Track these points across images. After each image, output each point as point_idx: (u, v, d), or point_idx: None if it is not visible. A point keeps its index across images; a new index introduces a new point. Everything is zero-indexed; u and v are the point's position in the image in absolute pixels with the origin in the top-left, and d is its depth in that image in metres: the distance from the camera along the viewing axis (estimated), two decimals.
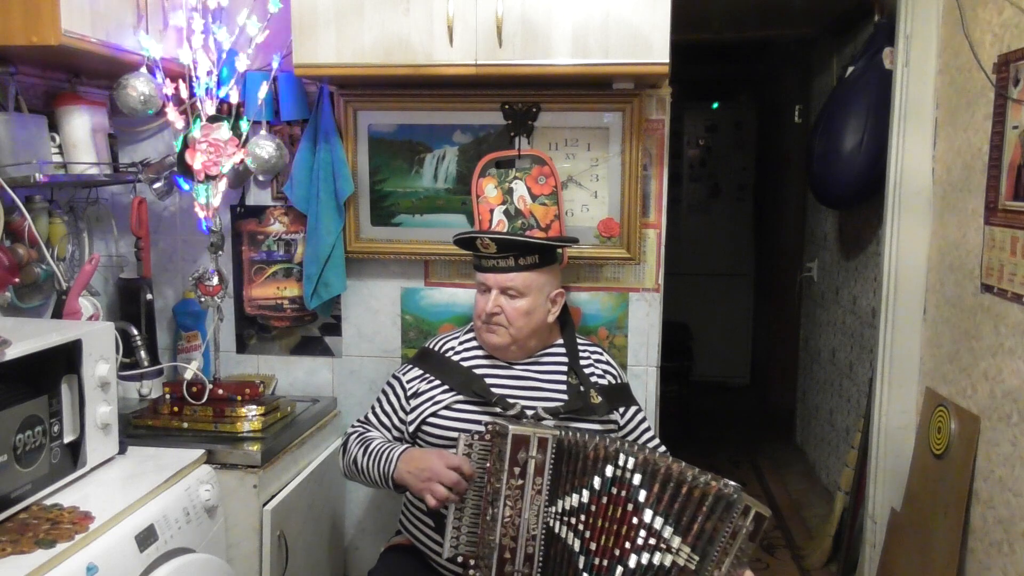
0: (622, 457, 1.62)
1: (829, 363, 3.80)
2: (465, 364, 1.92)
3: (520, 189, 2.17)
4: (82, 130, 2.03)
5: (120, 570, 1.45)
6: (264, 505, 1.90)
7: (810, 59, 4.25)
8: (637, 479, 1.61)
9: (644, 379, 2.27)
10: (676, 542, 1.58)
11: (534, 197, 2.17)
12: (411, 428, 1.88)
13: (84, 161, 2.03)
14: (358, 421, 1.98)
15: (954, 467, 2.11)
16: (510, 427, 1.63)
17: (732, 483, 1.59)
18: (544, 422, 1.77)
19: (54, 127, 2.00)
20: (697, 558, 1.57)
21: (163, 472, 1.71)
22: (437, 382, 1.90)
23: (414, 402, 1.90)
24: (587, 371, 1.93)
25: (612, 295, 2.27)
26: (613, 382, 1.96)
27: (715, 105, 5.71)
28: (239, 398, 2.04)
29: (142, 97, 1.93)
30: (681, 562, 1.58)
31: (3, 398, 1.42)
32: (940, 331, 2.29)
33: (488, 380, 1.88)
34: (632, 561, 1.59)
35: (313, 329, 2.39)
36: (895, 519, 2.46)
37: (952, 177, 2.24)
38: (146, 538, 1.54)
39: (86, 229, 2.21)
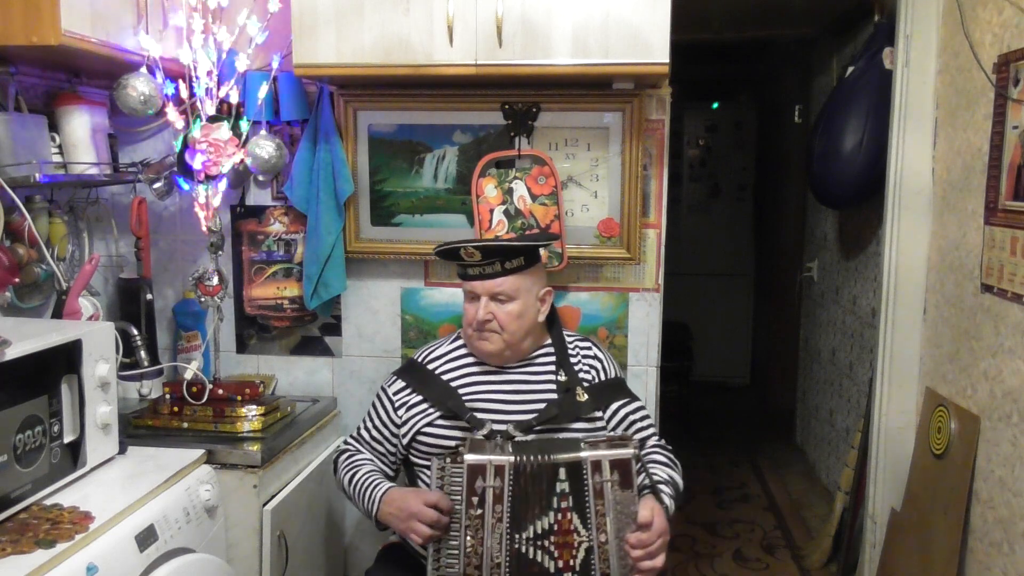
0: (561, 471, 1.63)
1: (829, 363, 3.80)
2: (454, 374, 1.90)
3: (520, 189, 2.17)
4: (82, 130, 2.03)
5: (120, 570, 1.45)
6: (264, 505, 1.90)
7: (810, 59, 4.25)
8: (567, 486, 1.62)
9: (644, 379, 2.27)
10: (583, 530, 1.61)
11: (534, 197, 2.17)
12: (405, 440, 1.88)
13: (84, 161, 2.03)
14: (351, 437, 1.98)
15: (954, 467, 2.10)
16: (466, 456, 1.60)
17: (613, 439, 1.65)
18: (518, 439, 1.75)
19: (54, 127, 2.00)
20: (589, 532, 1.60)
21: (163, 472, 1.71)
22: (420, 397, 1.89)
23: (403, 414, 1.89)
24: (576, 368, 1.91)
25: (612, 295, 2.27)
26: (602, 377, 1.93)
27: (715, 105, 5.71)
28: (239, 398, 2.04)
29: (142, 97, 1.93)
30: (587, 544, 1.60)
31: (3, 398, 1.42)
32: (940, 331, 2.29)
33: (479, 388, 1.87)
34: (578, 563, 1.62)
35: (313, 329, 2.39)
36: (895, 519, 2.46)
37: (952, 177, 2.24)
38: (146, 538, 1.54)
39: (86, 229, 2.21)
